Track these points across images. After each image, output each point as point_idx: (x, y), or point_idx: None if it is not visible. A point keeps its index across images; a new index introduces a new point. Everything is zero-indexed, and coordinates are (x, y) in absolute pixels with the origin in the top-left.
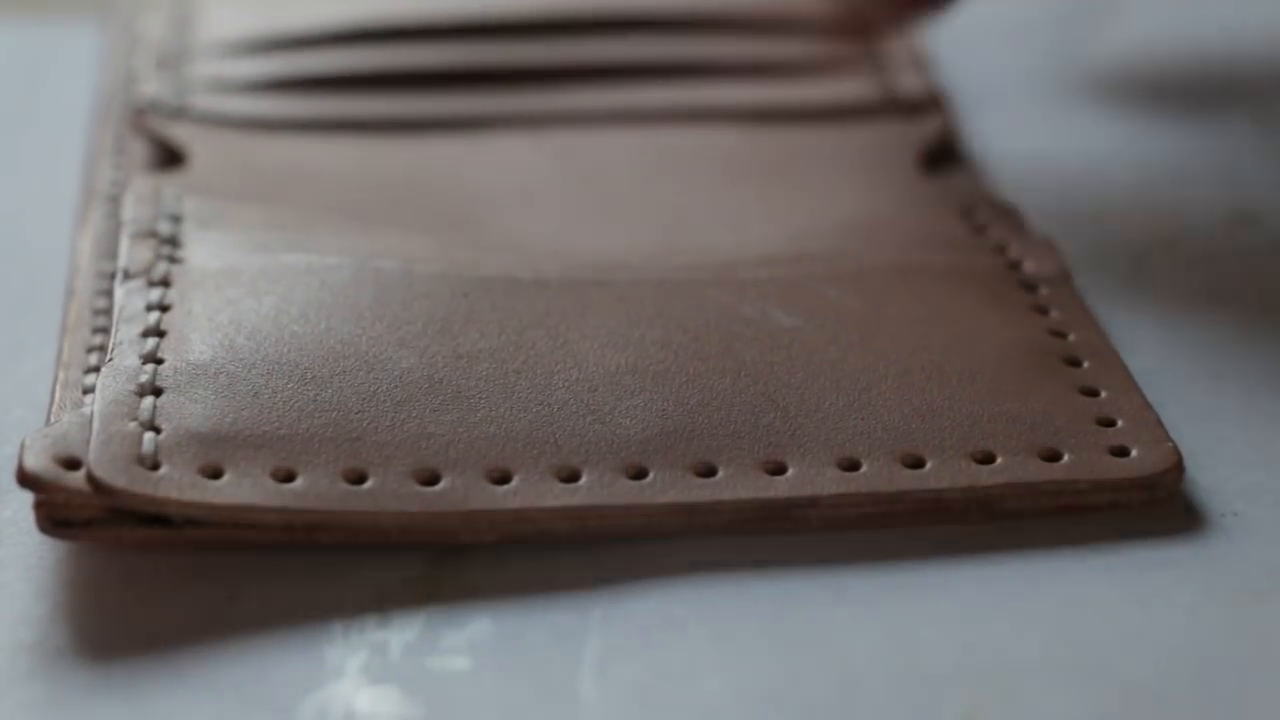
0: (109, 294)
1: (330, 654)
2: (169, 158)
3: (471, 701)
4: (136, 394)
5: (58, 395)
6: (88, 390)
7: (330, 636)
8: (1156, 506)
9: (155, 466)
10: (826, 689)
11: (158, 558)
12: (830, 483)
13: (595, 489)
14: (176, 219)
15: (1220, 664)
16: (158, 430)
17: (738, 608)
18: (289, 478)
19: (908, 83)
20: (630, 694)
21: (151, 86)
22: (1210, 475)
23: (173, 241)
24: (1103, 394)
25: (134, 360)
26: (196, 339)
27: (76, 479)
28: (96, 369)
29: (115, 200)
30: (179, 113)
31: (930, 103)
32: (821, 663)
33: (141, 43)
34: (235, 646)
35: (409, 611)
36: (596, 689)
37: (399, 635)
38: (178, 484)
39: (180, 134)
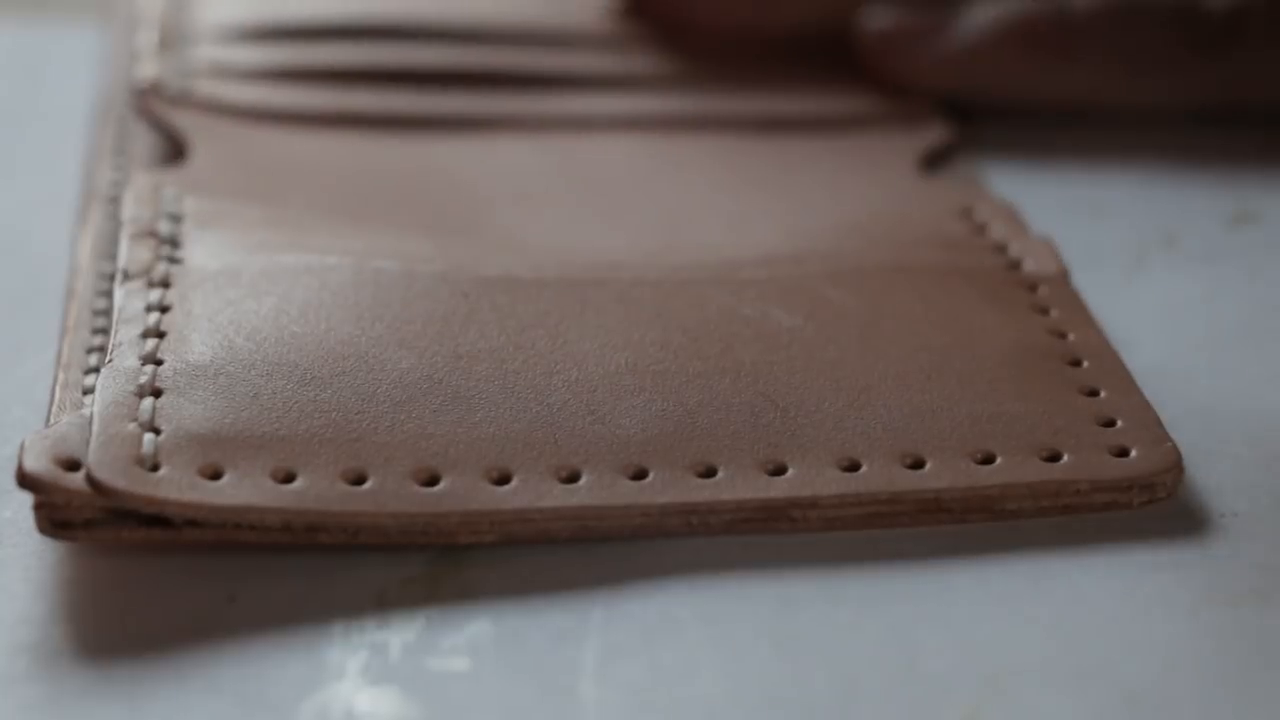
0: (109, 295)
1: (330, 655)
2: (170, 157)
3: (471, 702)
4: (136, 395)
5: (57, 396)
6: (87, 391)
7: (330, 637)
8: (1156, 507)
9: (155, 467)
10: (825, 690)
11: (157, 559)
12: (830, 483)
13: (595, 489)
14: (176, 219)
15: (1220, 665)
16: (157, 431)
17: (737, 608)
18: (289, 478)
19: (906, 103)
20: (630, 694)
21: (154, 67)
22: (1210, 475)
23: (172, 242)
24: (1102, 394)
25: (134, 361)
26: (196, 340)
27: (76, 480)
28: (96, 370)
29: (115, 201)
30: (182, 96)
31: (928, 115)
32: (821, 663)
33: (143, 22)
34: (235, 647)
35: (409, 612)
36: (596, 689)
37: (399, 636)
38: (177, 485)
39: (182, 121)
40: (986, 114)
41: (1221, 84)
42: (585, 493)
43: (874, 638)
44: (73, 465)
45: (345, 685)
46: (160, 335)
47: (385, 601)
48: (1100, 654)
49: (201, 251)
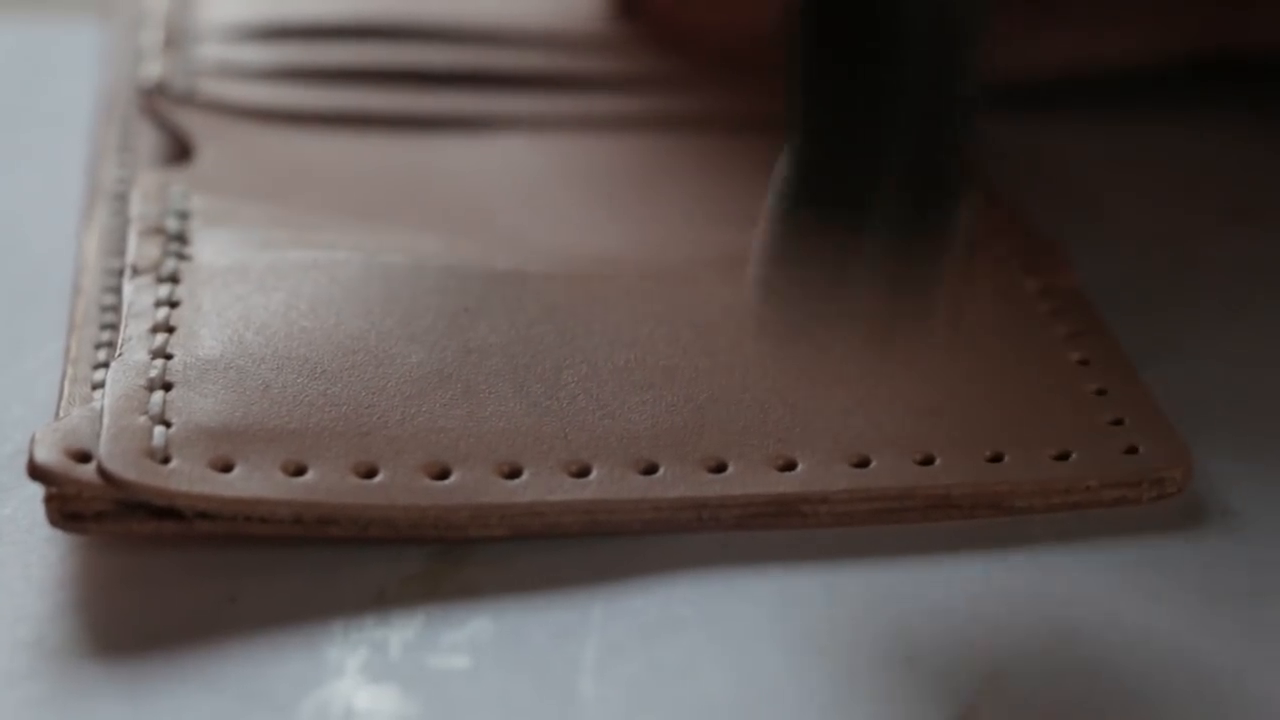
0: (116, 291)
1: (330, 652)
2: (175, 154)
3: (471, 700)
4: (146, 388)
5: (66, 390)
6: (96, 386)
7: (330, 635)
8: (1156, 504)
9: (166, 460)
10: (825, 685)
11: (158, 556)
12: (840, 479)
13: (605, 483)
14: (184, 215)
15: (1220, 662)
16: (168, 424)
17: (737, 605)
18: (299, 471)
19: None
20: (630, 692)
21: (158, 67)
22: (1211, 474)
23: (180, 238)
24: (1110, 392)
25: (143, 355)
26: (206, 334)
27: (88, 472)
28: (105, 365)
29: (121, 198)
30: (187, 96)
31: None
32: (821, 660)
33: (147, 20)
34: (235, 645)
35: (409, 610)
36: (596, 687)
37: (399, 633)
38: (188, 477)
39: (188, 122)
40: (987, 111)
41: (1217, 32)
42: (596, 487)
43: (874, 633)
44: (84, 457)
45: (345, 683)
46: (169, 330)
47: (385, 599)
48: (1100, 651)
49: (210, 248)
